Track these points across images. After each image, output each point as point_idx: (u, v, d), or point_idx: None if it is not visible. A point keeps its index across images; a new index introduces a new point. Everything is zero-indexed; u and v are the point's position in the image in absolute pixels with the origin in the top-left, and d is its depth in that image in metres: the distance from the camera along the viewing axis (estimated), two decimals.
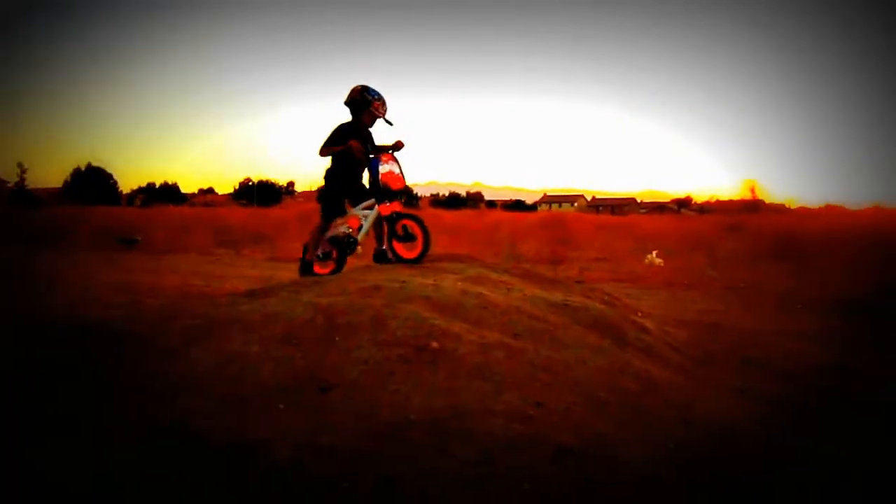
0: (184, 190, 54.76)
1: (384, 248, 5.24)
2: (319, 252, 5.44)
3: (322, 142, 5.26)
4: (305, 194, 57.22)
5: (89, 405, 2.63)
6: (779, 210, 27.04)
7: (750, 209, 25.48)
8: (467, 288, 4.01)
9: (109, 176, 42.45)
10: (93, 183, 39.34)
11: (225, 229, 16.89)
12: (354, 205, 5.35)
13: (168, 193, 50.29)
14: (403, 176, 5.13)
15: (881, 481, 2.52)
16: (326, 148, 5.21)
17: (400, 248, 5.01)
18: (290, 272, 6.73)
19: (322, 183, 5.48)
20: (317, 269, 5.43)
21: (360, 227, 5.25)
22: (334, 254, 5.39)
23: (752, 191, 29.52)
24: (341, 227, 5.31)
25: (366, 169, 5.25)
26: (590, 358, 3.21)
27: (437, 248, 5.38)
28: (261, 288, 4.49)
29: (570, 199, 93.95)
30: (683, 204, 72.01)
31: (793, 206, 28.86)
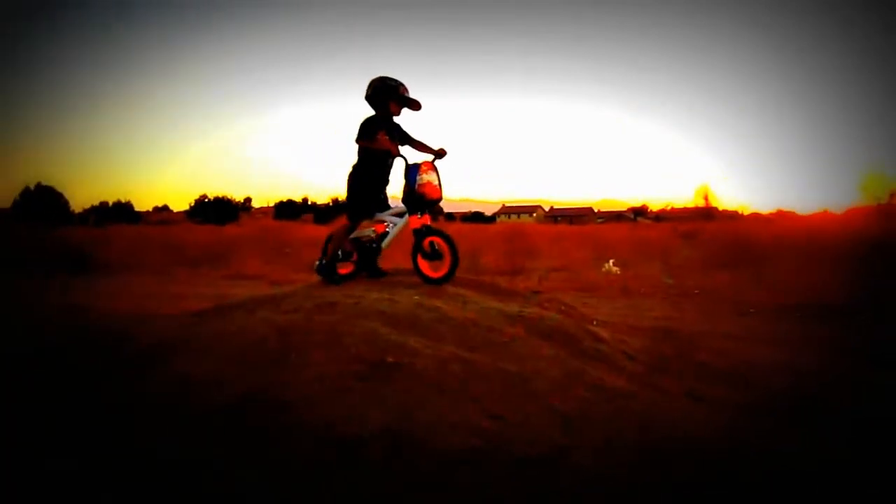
0: (138, 208, 53.67)
1: (375, 244, 4.97)
2: (340, 253, 5.13)
3: (357, 136, 4.89)
4: (263, 210, 56.55)
5: (38, 429, 2.56)
6: (732, 216, 27.40)
7: (704, 216, 25.86)
8: (423, 301, 4.00)
9: (60, 195, 41.50)
10: (43, 202, 38.44)
11: (180, 247, 16.62)
12: (378, 211, 5.02)
13: (122, 212, 49.27)
14: (441, 187, 4.81)
15: (834, 479, 2.57)
16: (363, 140, 4.85)
17: (425, 265, 4.71)
18: (246, 289, 6.63)
19: (345, 188, 5.03)
20: (340, 270, 5.14)
21: (386, 233, 5.01)
22: (355, 255, 5.14)
23: (706, 198, 29.96)
24: (367, 231, 5.06)
25: (394, 165, 4.98)
26: (545, 368, 3.22)
27: (391, 263, 5.34)
28: (215, 307, 4.43)
29: (528, 209, 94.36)
30: (639, 212, 72.96)
31: (745, 213, 29.25)
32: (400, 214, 4.90)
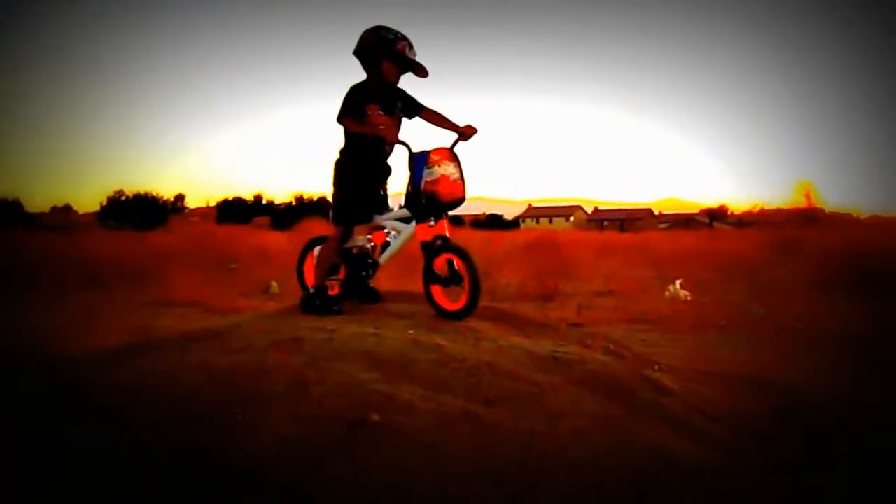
0: (29, 209, 53.54)
1: (371, 259, 4.94)
2: (323, 272, 5.09)
3: (339, 111, 4.84)
4: (201, 212, 56.16)
5: None
6: (843, 221, 26.77)
7: (806, 221, 25.39)
8: (420, 338, 3.96)
9: None
10: None
11: (88, 262, 16.48)
12: (377, 213, 5.00)
13: (7, 213, 49.14)
14: (463, 182, 4.70)
15: None
16: (347, 118, 4.81)
17: (439, 292, 4.65)
18: (175, 320, 6.58)
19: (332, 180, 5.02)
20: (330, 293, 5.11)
21: (385, 245, 5.03)
22: (341, 272, 5.12)
23: (808, 196, 29.58)
24: (360, 240, 4.94)
25: (392, 152, 4.99)
26: (588, 431, 3.17)
27: (379, 283, 5.30)
28: (127, 346, 4.38)
29: (563, 211, 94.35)
30: (716, 216, 72.12)
31: (861, 216, 28.66)
32: (408, 220, 4.84)
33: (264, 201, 55.34)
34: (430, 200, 4.57)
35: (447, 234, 4.63)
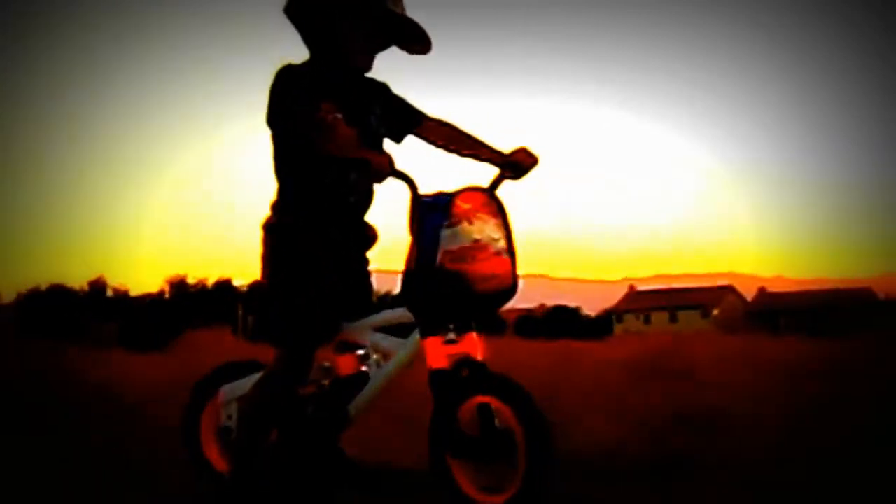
0: None
1: (330, 405, 3.53)
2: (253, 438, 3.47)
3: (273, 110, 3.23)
4: None
5: None
6: None
7: None
8: None
9: None
10: None
11: None
12: (348, 319, 3.49)
13: None
14: (513, 256, 3.18)
15: None
16: (289, 124, 3.23)
17: (463, 472, 3.06)
18: None
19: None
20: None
21: (361, 378, 3.46)
22: (274, 434, 3.55)
23: None
24: (316, 373, 3.52)
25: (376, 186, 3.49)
26: None
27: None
28: None
29: (699, 298, 69.73)
30: None
31: None
32: (404, 328, 3.45)
33: (108, 293, 49.08)
34: (451, 291, 3.15)
35: (481, 357, 3.20)
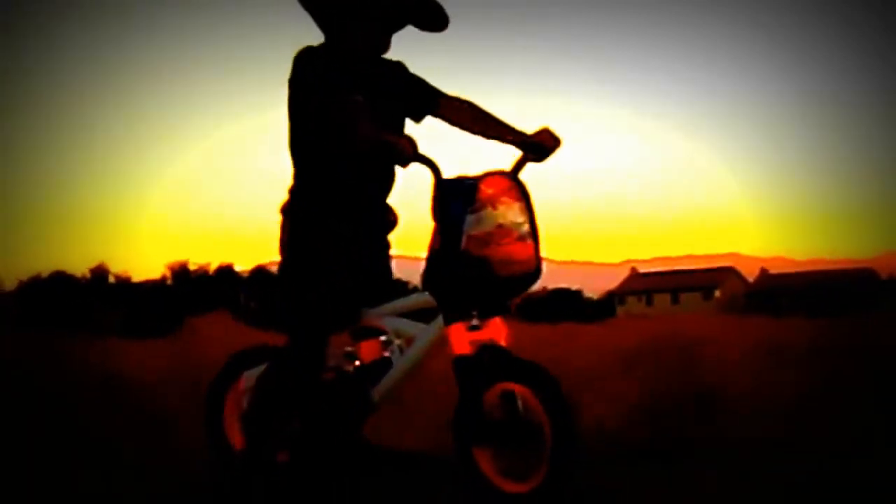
0: None
1: (357, 391, 3.52)
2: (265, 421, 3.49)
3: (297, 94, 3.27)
4: None
5: None
6: None
7: None
8: None
9: None
10: None
11: None
12: (368, 305, 3.52)
13: None
14: (536, 241, 3.17)
15: None
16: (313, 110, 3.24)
17: (488, 460, 3.03)
18: None
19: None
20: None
21: (384, 363, 3.45)
22: (303, 422, 3.54)
23: None
24: (340, 357, 3.56)
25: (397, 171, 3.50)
26: None
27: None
28: None
29: (700, 280, 69.37)
30: None
31: None
32: (426, 313, 3.42)
33: (111, 280, 47.43)
34: (474, 276, 3.11)
35: (506, 343, 3.18)
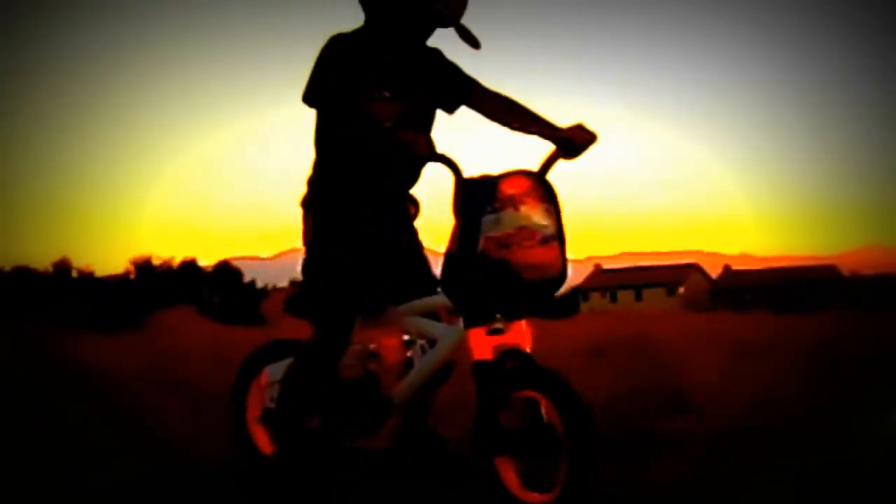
0: None
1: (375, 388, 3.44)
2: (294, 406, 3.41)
3: (306, 92, 3.22)
4: None
5: None
6: None
7: None
8: None
9: None
10: None
11: None
12: (392, 302, 3.42)
13: None
14: (562, 244, 3.05)
15: None
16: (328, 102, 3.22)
17: (510, 469, 2.87)
18: None
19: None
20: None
21: (405, 364, 3.38)
22: (316, 421, 3.45)
23: None
24: (359, 353, 3.43)
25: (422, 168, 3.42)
26: None
27: None
28: None
29: (665, 275, 69.56)
30: None
31: None
32: (448, 315, 3.37)
33: (73, 274, 46.32)
34: (491, 279, 2.95)
35: (529, 349, 3.04)
